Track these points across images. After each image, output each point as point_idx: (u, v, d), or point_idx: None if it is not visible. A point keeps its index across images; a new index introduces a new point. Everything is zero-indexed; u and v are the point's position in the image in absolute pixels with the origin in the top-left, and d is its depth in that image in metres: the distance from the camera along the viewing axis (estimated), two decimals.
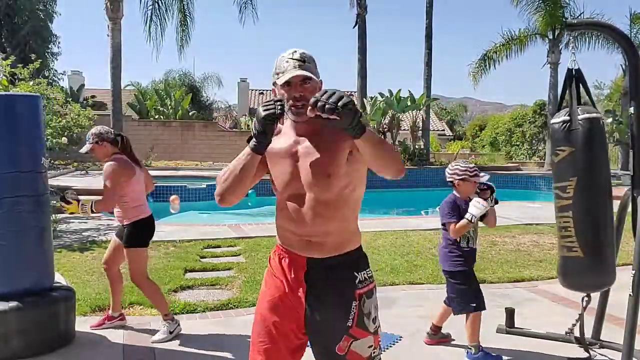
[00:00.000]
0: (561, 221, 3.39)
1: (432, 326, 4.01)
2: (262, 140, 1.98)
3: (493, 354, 3.69)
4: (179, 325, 4.11)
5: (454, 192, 3.77)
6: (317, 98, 1.76)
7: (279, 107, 1.92)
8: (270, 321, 2.13)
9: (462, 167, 3.71)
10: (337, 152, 2.00)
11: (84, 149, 4.12)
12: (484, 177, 3.73)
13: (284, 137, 2.12)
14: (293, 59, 2.01)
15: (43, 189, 3.91)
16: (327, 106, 1.73)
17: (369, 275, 2.13)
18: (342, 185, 2.03)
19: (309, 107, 1.80)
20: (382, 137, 2.28)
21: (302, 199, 2.07)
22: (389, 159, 1.96)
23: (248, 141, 2.02)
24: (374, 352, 2.11)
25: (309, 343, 2.17)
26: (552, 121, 3.45)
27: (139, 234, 4.06)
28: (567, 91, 3.55)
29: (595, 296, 3.89)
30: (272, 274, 2.19)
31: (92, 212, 4.01)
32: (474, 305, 3.66)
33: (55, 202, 4.11)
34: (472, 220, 3.56)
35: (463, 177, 3.67)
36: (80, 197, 4.07)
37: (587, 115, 3.33)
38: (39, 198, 3.86)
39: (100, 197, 3.98)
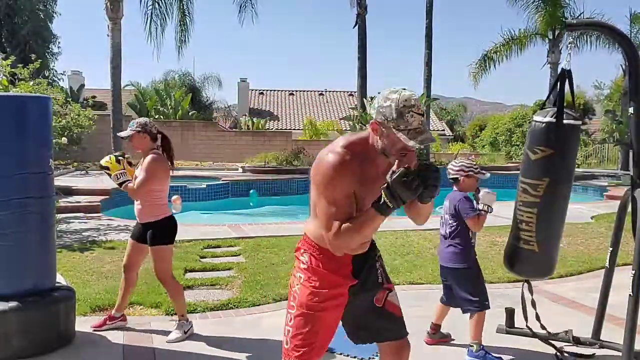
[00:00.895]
0: (524, 215, 3.48)
1: (431, 325, 4.02)
2: (397, 206, 2.03)
3: (494, 355, 3.69)
4: (192, 326, 4.14)
5: (455, 189, 3.82)
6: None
7: (419, 181, 1.98)
8: (334, 321, 2.32)
9: (467, 163, 3.81)
10: None
11: (123, 133, 4.12)
12: (486, 175, 3.85)
13: (374, 166, 2.18)
14: (418, 114, 2.01)
15: (50, 190, 3.91)
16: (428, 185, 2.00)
17: None
18: None
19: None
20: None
21: None
22: (424, 219, 2.34)
23: (378, 209, 2.03)
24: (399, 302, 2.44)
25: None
26: (537, 119, 3.46)
27: (166, 231, 4.07)
28: (558, 92, 3.55)
29: (596, 296, 3.90)
30: (327, 273, 2.28)
31: (119, 185, 3.99)
32: (487, 302, 3.71)
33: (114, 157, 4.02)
34: (489, 211, 3.70)
35: (469, 173, 3.76)
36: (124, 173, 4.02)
37: (571, 122, 3.37)
38: (46, 199, 3.85)
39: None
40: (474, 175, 3.77)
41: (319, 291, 2.25)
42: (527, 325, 3.75)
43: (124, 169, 4.00)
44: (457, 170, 3.78)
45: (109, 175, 4.02)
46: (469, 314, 3.72)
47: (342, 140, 2.17)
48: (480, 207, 3.70)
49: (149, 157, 3.99)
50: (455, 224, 3.75)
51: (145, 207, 4.04)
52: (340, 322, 2.38)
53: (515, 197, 3.56)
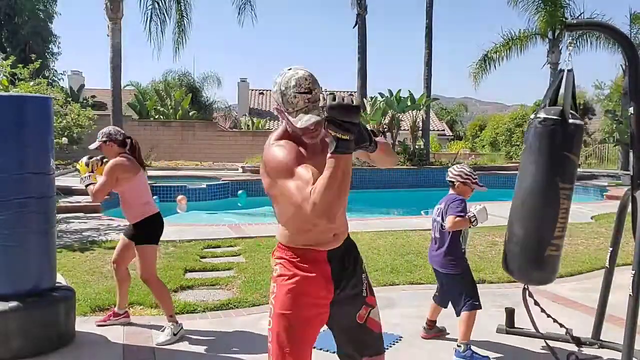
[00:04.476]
0: (565, 222, 3.45)
1: (427, 321, 4.10)
2: (355, 133, 1.84)
3: (482, 355, 3.70)
4: (182, 327, 4.11)
5: (451, 192, 3.91)
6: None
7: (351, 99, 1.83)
8: (309, 331, 2.23)
9: (467, 171, 3.90)
10: None
11: (93, 145, 4.26)
12: (484, 189, 3.93)
13: (306, 149, 2.14)
14: (302, 93, 2.02)
15: (50, 190, 3.92)
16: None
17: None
18: None
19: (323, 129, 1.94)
20: (382, 137, 2.51)
21: None
22: (389, 160, 2.39)
23: (335, 149, 1.83)
24: (379, 316, 2.40)
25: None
26: (578, 122, 3.40)
27: (148, 231, 4.11)
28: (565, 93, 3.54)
29: (596, 296, 3.90)
30: (303, 278, 2.20)
31: (86, 186, 4.13)
32: (477, 303, 3.74)
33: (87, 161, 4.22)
34: (473, 223, 3.73)
35: (466, 180, 3.84)
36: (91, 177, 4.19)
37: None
38: (47, 200, 3.86)
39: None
40: (470, 184, 3.85)
41: (294, 306, 2.19)
42: (535, 327, 3.74)
43: (91, 172, 4.16)
44: (455, 175, 3.88)
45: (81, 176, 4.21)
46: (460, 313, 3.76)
47: (273, 137, 2.20)
48: (470, 214, 3.73)
49: (109, 162, 4.11)
50: (441, 226, 3.84)
51: (126, 209, 4.19)
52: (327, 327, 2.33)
53: (554, 208, 3.38)
